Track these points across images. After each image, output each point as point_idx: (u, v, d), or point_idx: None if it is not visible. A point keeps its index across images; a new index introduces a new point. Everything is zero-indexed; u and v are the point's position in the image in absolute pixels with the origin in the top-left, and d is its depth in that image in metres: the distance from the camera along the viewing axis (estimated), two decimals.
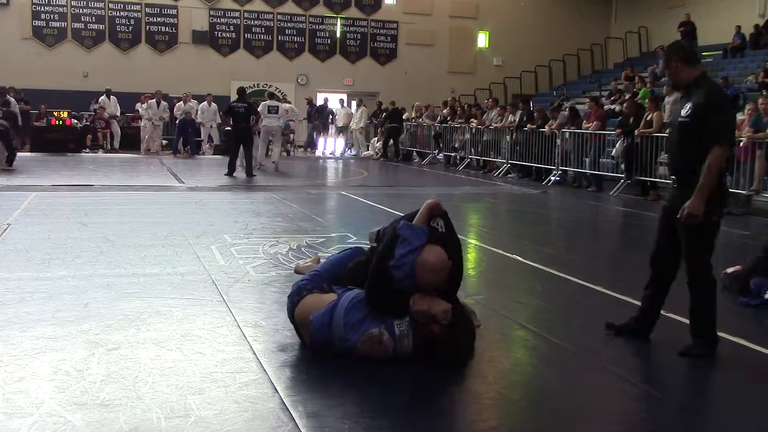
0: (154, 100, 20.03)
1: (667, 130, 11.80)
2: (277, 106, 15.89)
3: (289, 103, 21.60)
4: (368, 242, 4.41)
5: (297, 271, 5.09)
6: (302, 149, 22.77)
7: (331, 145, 22.90)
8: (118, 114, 20.57)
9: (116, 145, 20.11)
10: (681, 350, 4.11)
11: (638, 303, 5.21)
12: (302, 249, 6.67)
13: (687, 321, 4.23)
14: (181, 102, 20.58)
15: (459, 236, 4.26)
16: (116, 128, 20.27)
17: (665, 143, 12.09)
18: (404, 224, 3.86)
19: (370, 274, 3.81)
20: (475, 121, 18.20)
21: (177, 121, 20.18)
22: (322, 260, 5.05)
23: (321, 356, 3.80)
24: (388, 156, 20.76)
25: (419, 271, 3.71)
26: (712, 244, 4.19)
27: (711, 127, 4.00)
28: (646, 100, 15.07)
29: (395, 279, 3.72)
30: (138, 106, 20.42)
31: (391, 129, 20.72)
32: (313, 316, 3.82)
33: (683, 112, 4.18)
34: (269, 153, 17.04)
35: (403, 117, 21.37)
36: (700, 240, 4.13)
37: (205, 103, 20.27)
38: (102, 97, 20.30)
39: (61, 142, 18.84)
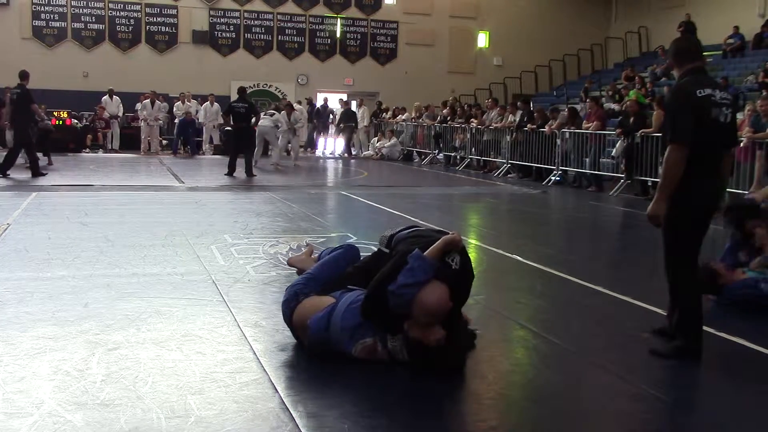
0: (147, 100, 20.10)
1: None
2: (273, 112, 16.18)
3: (299, 104, 21.84)
4: (378, 245, 4.23)
5: (290, 264, 4.96)
6: (302, 149, 22.76)
7: (331, 145, 22.91)
8: (120, 114, 20.61)
9: (116, 145, 20.18)
10: (663, 350, 4.07)
11: (638, 303, 5.24)
12: (302, 249, 6.64)
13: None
14: (180, 102, 20.66)
15: (444, 229, 4.26)
16: (116, 128, 20.33)
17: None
18: (417, 254, 3.65)
19: (370, 288, 3.73)
20: (475, 121, 18.20)
21: (176, 121, 20.28)
22: (315, 252, 4.97)
23: (320, 356, 3.79)
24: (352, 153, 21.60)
25: (416, 308, 3.57)
26: (690, 252, 4.08)
27: (665, 126, 4.10)
28: (649, 100, 15.09)
29: (391, 304, 3.61)
30: (137, 106, 20.49)
31: (348, 128, 21.44)
32: (310, 320, 3.80)
33: None
34: (269, 153, 17.19)
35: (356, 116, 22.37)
36: (674, 247, 4.08)
37: (208, 103, 20.49)
38: (104, 97, 20.33)
39: (61, 142, 18.82)
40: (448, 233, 4.18)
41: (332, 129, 22.70)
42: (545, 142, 15.15)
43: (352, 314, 3.74)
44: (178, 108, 20.58)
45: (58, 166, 14.92)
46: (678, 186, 3.97)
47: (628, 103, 14.52)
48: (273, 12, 24.55)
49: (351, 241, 7.27)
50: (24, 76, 12.97)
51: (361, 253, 4.51)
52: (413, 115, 21.85)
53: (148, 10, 23.38)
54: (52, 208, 9.20)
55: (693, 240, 4.09)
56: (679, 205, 3.99)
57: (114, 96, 20.48)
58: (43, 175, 13.02)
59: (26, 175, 13.31)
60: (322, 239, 7.28)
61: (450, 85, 24.64)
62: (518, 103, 17.49)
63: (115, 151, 19.83)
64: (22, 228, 7.53)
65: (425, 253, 3.66)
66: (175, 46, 23.70)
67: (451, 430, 3.16)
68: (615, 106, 17.52)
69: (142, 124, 20.14)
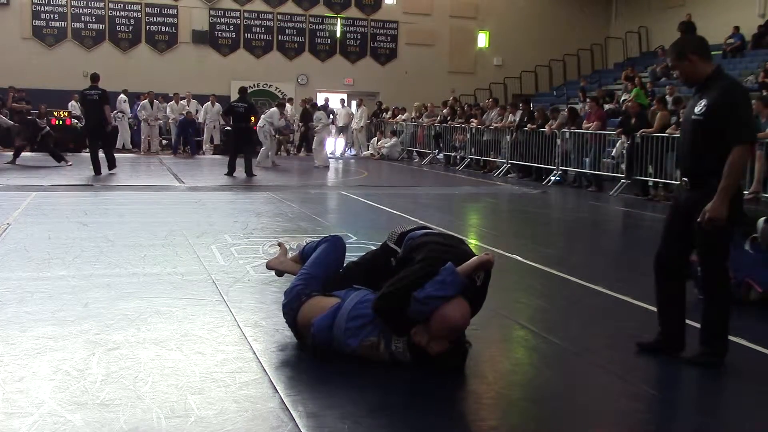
0: (146, 100, 20.15)
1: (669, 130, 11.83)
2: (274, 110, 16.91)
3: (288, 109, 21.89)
4: (387, 240, 4.13)
5: (269, 267, 4.67)
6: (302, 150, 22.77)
7: (331, 145, 22.89)
8: (130, 114, 20.66)
9: (127, 145, 20.30)
10: (689, 357, 3.96)
11: (638, 303, 5.23)
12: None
13: (691, 322, 4.19)
14: (173, 102, 20.64)
15: (459, 236, 4.26)
16: (126, 128, 20.42)
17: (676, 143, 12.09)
18: (450, 268, 3.60)
19: (390, 287, 3.67)
20: (475, 121, 18.21)
21: (171, 120, 20.30)
22: (290, 252, 4.81)
23: (321, 356, 3.78)
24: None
25: (437, 321, 3.57)
26: (728, 250, 4.03)
27: (732, 126, 3.75)
28: (650, 100, 15.08)
29: (411, 309, 3.60)
30: (137, 106, 20.53)
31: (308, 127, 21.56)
32: (315, 319, 3.79)
33: (696, 110, 3.88)
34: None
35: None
36: (719, 246, 3.92)
37: (209, 103, 20.54)
38: (121, 96, 20.41)
39: (61, 142, 18.80)
40: (461, 238, 4.16)
41: (332, 129, 22.67)
42: (545, 142, 15.15)
43: (359, 313, 3.73)
44: (172, 109, 20.57)
45: (58, 167, 14.90)
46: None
47: (629, 104, 14.50)
48: (273, 12, 24.56)
49: (351, 240, 7.27)
50: (98, 78, 13.67)
51: (349, 247, 4.49)
52: (413, 115, 21.85)
53: (148, 10, 23.40)
54: (52, 208, 9.20)
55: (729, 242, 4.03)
56: (733, 208, 3.81)
57: (126, 97, 20.59)
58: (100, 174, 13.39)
59: (24, 175, 13.31)
60: None
61: (450, 85, 24.65)
62: (519, 104, 17.49)
63: (127, 151, 19.88)
64: (22, 228, 7.53)
65: (457, 269, 3.62)
66: (175, 46, 23.71)
67: (451, 430, 3.16)
68: (610, 106, 17.49)
69: (142, 124, 20.20)
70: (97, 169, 13.33)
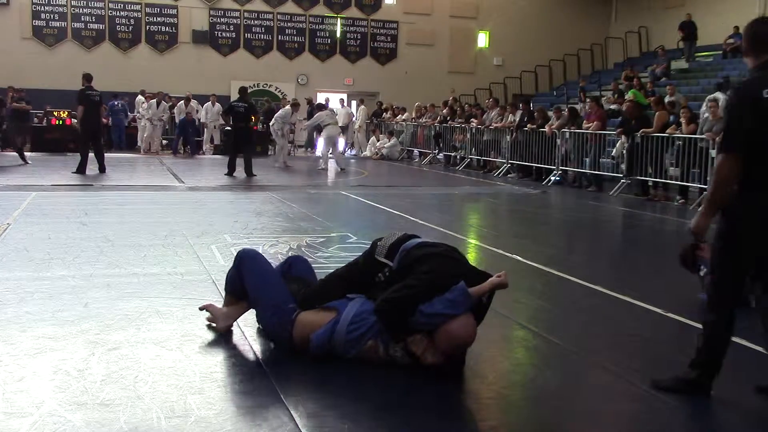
0: (154, 100, 20.16)
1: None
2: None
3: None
4: (376, 255, 3.90)
5: (222, 330, 4.19)
6: (302, 149, 22.79)
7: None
8: (149, 115, 20.67)
9: (155, 147, 20.31)
10: (654, 378, 3.62)
11: (638, 303, 5.23)
12: (302, 249, 6.66)
13: (691, 322, 4.18)
14: (182, 102, 20.63)
15: (459, 236, 4.26)
16: (147, 130, 20.43)
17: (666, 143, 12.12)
18: (463, 289, 3.56)
19: (397, 295, 3.61)
20: (475, 121, 18.21)
21: (177, 121, 20.33)
22: (218, 304, 4.38)
23: (321, 357, 3.79)
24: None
25: (443, 337, 3.55)
26: (726, 276, 3.42)
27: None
28: (649, 100, 15.07)
29: (415, 321, 3.58)
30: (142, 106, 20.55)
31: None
32: (313, 335, 3.73)
33: None
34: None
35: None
36: (718, 272, 3.44)
37: (209, 103, 20.55)
38: (139, 97, 20.41)
39: (61, 142, 18.83)
40: (453, 247, 4.03)
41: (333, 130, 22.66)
42: (545, 142, 15.15)
43: (357, 326, 3.69)
44: (180, 109, 20.55)
45: (58, 167, 14.91)
46: (737, 200, 3.38)
47: (626, 106, 14.49)
48: (273, 12, 24.57)
49: (351, 240, 7.27)
50: (92, 78, 13.76)
51: (349, 247, 4.45)
52: (413, 115, 21.86)
53: (148, 9, 23.41)
54: (52, 208, 9.20)
55: (743, 266, 3.43)
56: (736, 221, 3.38)
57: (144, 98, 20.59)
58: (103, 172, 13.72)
59: (24, 175, 13.31)
60: (321, 239, 7.28)
61: (450, 85, 24.65)
62: (519, 104, 17.50)
63: (130, 151, 19.85)
64: (22, 228, 7.53)
65: (470, 290, 3.59)
66: (175, 46, 23.73)
67: (451, 430, 3.15)
68: (614, 106, 17.49)
69: (146, 123, 20.16)
70: (83, 169, 13.38)
